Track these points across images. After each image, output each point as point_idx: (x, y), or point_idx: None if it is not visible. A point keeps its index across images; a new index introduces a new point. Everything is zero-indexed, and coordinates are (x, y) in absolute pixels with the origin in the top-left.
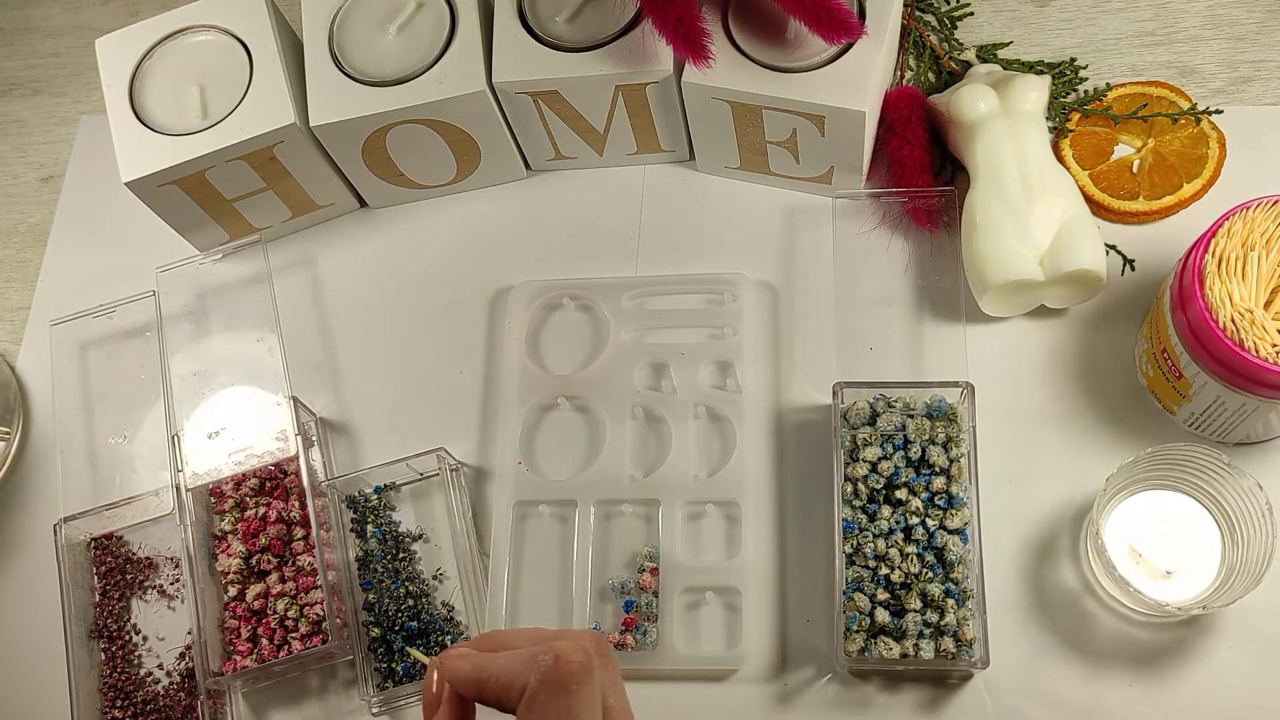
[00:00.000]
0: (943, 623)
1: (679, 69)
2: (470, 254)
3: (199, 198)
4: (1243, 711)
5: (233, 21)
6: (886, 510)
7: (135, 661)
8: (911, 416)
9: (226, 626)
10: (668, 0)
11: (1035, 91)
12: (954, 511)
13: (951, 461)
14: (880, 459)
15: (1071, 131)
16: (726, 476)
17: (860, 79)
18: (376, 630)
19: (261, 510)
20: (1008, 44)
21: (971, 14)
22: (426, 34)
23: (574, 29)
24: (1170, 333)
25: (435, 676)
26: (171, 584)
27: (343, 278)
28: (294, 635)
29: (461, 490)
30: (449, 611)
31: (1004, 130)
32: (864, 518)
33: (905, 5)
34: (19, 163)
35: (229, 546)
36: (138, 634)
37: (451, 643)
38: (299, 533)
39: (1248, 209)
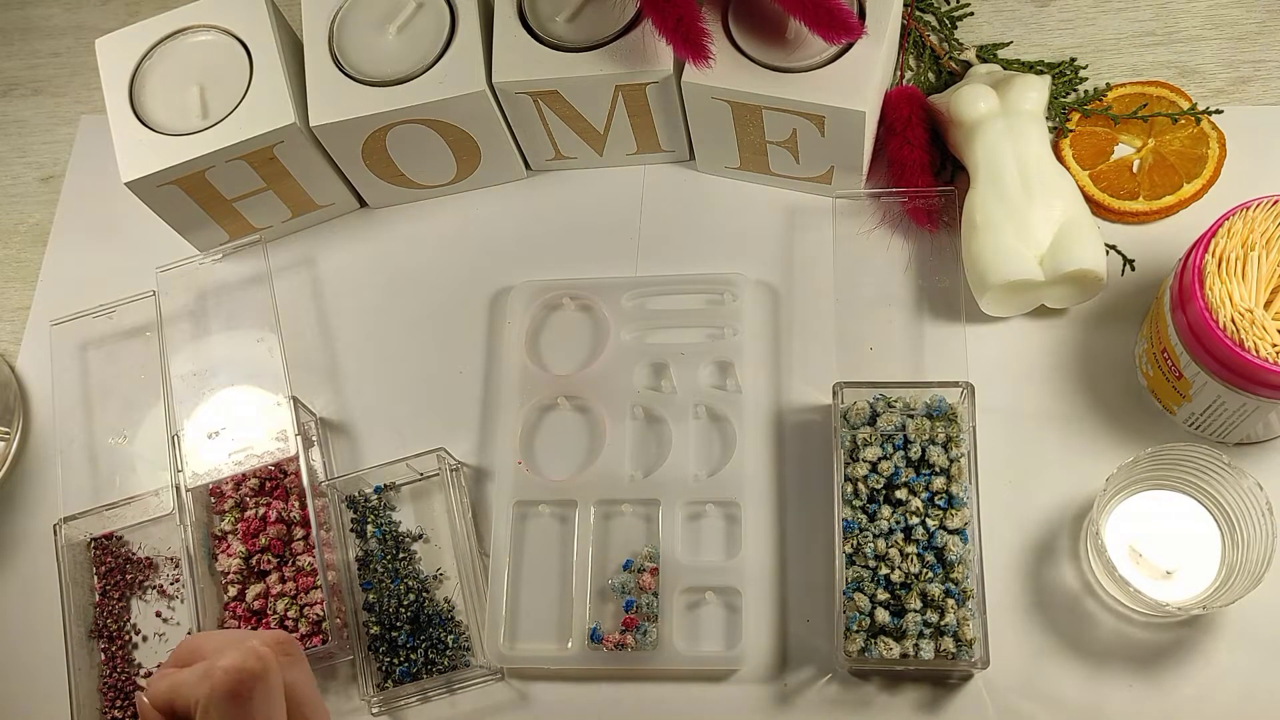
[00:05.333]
0: (943, 623)
1: (679, 69)
2: (470, 254)
3: (199, 198)
4: (1243, 711)
5: (233, 21)
6: (886, 510)
7: (135, 661)
8: (911, 416)
9: (227, 626)
10: (668, 0)
11: (1035, 91)
12: (954, 511)
13: (951, 461)
14: (880, 459)
15: (1071, 131)
16: (726, 476)
17: (860, 79)
18: (376, 630)
19: (261, 510)
20: (1008, 44)
21: (971, 14)
22: (426, 34)
23: (574, 29)
24: (1170, 333)
25: (144, 702)
26: (171, 584)
27: (343, 278)
28: (294, 635)
29: (461, 490)
30: (449, 609)
31: (1004, 130)
32: (864, 518)
33: (905, 5)
34: (19, 163)
35: (229, 546)
36: (138, 634)
37: (453, 642)
38: (299, 533)
39: (1248, 209)
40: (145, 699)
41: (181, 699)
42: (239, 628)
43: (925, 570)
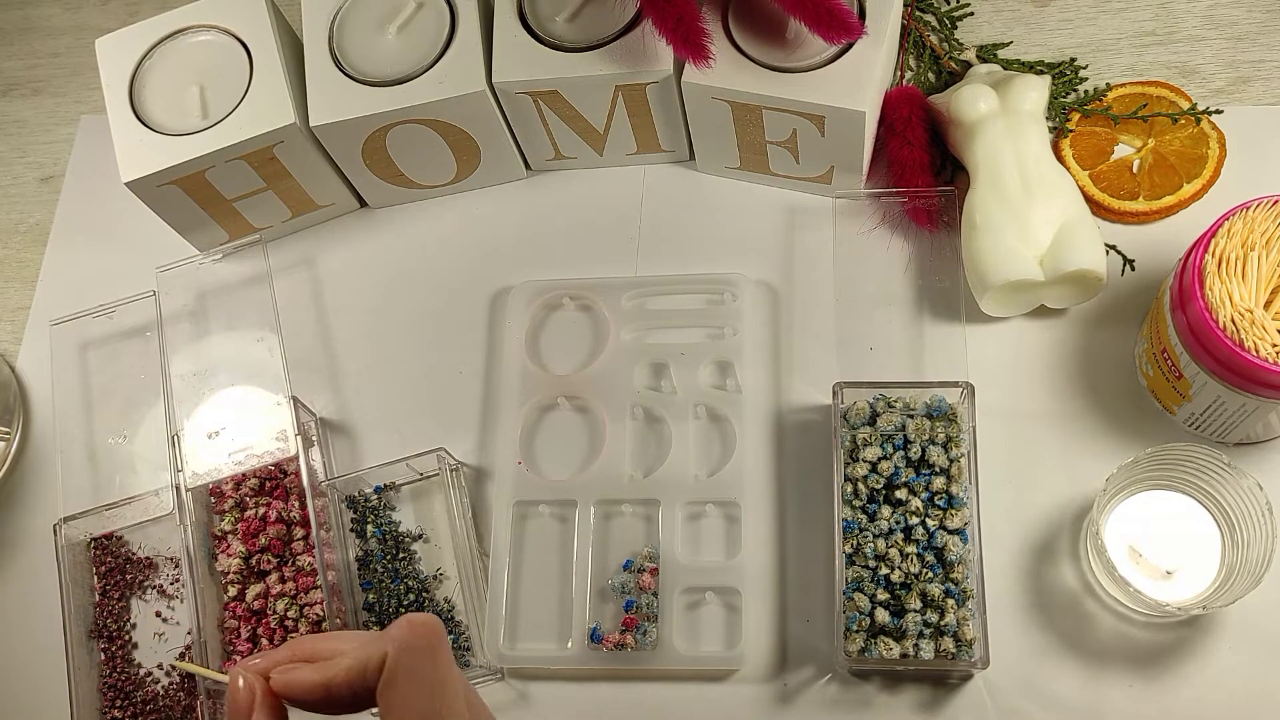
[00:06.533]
0: (943, 623)
1: (679, 69)
2: (470, 254)
3: (199, 198)
4: (1243, 711)
5: (233, 21)
6: (886, 510)
7: (135, 661)
8: (911, 416)
9: (226, 626)
10: (668, 0)
11: (1035, 91)
12: (954, 511)
13: (951, 461)
14: (880, 459)
15: (1071, 131)
16: (726, 476)
17: (860, 79)
18: (376, 630)
19: (261, 510)
20: (1008, 44)
21: (971, 14)
22: (426, 34)
23: (574, 29)
24: (1170, 333)
25: (247, 683)
26: (171, 584)
27: (343, 278)
28: (294, 635)
29: (461, 490)
30: (449, 609)
31: (1004, 130)
32: (864, 518)
33: (905, 5)
34: (19, 163)
35: (229, 546)
36: (138, 633)
37: (453, 642)
38: (299, 533)
39: (1248, 209)
40: (253, 684)
41: (347, 673)
42: (238, 628)
43: (925, 570)
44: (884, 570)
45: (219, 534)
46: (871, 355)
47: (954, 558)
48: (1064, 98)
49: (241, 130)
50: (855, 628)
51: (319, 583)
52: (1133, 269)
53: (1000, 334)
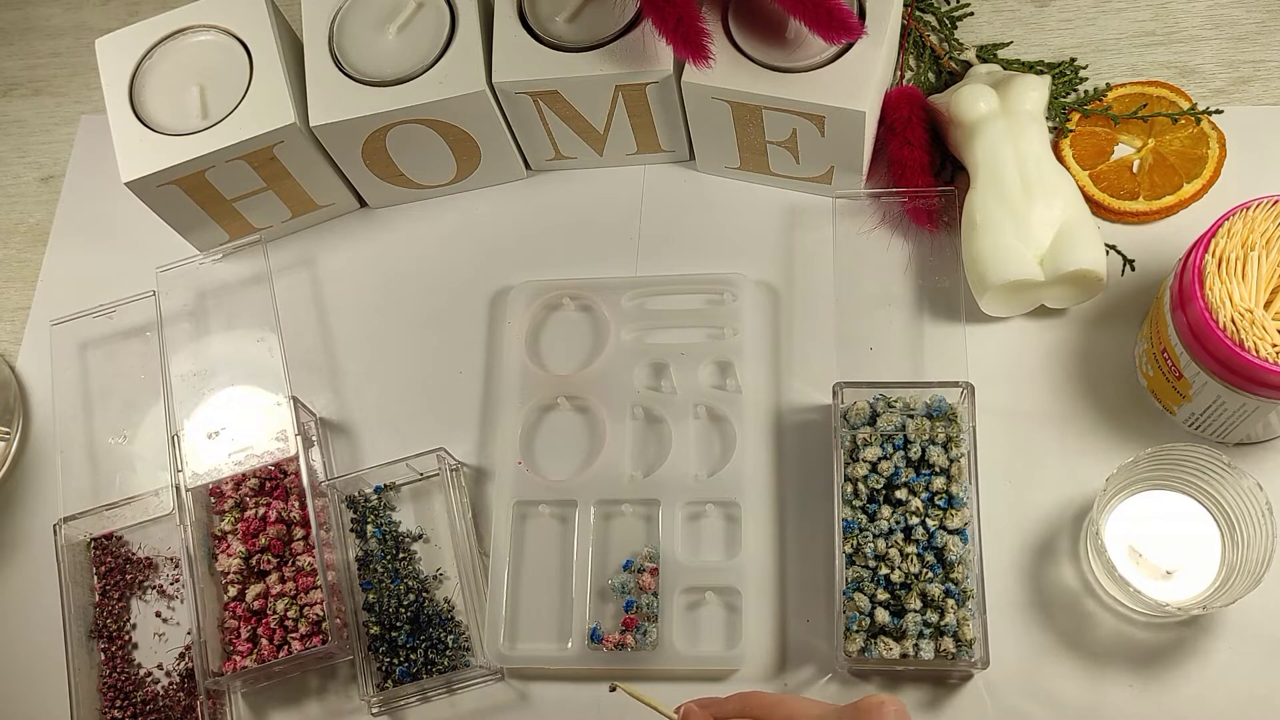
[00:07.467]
0: (943, 623)
1: (679, 69)
2: (470, 254)
3: (199, 198)
4: (1243, 711)
5: (233, 21)
6: (886, 510)
7: (135, 661)
8: (911, 416)
9: (226, 626)
10: (668, 0)
11: (1035, 91)
12: (954, 511)
13: (951, 461)
14: (880, 459)
15: (1071, 131)
16: (726, 476)
17: (860, 79)
18: (376, 630)
19: (261, 510)
20: (1008, 44)
21: (971, 14)
22: (426, 34)
23: (574, 29)
24: (1170, 333)
25: None
26: (171, 584)
27: (343, 278)
28: (294, 635)
29: (461, 490)
30: (449, 609)
31: (1004, 130)
32: (864, 518)
33: (905, 5)
34: (19, 163)
35: (229, 546)
36: (138, 633)
37: (453, 642)
38: (299, 533)
39: (1248, 209)
40: None
41: None
42: (238, 628)
43: (925, 570)
44: (884, 570)
45: (219, 534)
46: (871, 355)
47: (954, 558)
48: (1064, 98)
49: (241, 130)
50: (855, 628)
51: (319, 583)
52: (1133, 269)
53: (1000, 334)
